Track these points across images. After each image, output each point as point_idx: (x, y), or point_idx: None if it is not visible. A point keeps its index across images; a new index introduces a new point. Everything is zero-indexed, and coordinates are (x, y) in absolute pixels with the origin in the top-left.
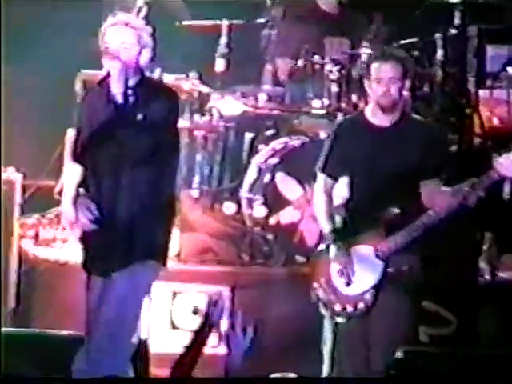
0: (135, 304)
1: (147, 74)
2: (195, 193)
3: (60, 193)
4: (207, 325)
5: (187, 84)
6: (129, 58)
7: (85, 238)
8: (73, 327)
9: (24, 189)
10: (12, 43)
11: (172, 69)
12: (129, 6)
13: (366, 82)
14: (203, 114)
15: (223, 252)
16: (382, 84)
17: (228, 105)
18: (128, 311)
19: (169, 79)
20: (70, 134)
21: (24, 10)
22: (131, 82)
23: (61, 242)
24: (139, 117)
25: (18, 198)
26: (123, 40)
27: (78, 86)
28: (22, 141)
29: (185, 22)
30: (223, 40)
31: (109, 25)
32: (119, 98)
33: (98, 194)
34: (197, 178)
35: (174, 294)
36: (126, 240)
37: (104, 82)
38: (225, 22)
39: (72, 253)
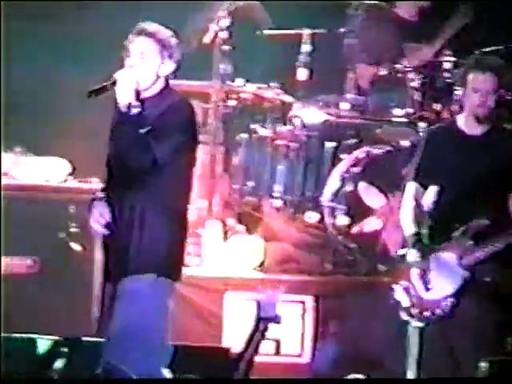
0: (138, 316)
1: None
2: (277, 202)
3: None
4: (261, 320)
5: (269, 93)
6: (146, 68)
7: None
8: None
9: None
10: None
11: (254, 78)
12: (211, 17)
13: (461, 92)
14: (285, 124)
15: (306, 261)
16: (479, 94)
17: (310, 114)
18: (133, 323)
19: (250, 89)
20: None
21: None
22: (148, 93)
23: None
24: (142, 130)
25: None
26: (142, 50)
27: None
28: (104, 152)
29: (267, 32)
30: (305, 49)
31: (133, 34)
32: (122, 108)
33: (114, 200)
34: (279, 188)
35: (258, 304)
36: (133, 250)
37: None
38: (307, 31)
39: None
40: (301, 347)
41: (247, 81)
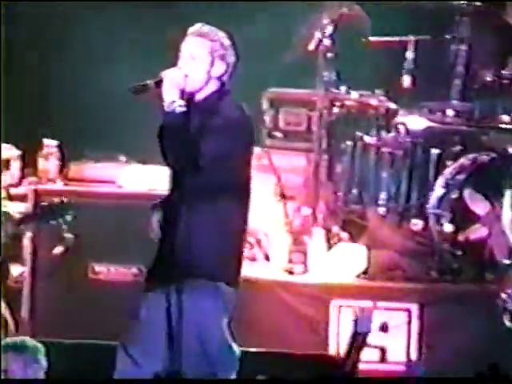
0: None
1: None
2: (382, 210)
3: None
4: (357, 335)
5: (374, 101)
6: (196, 69)
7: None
8: (263, 344)
9: None
10: None
11: (358, 85)
12: (317, 25)
13: None
14: (390, 131)
15: (411, 269)
16: None
17: (415, 121)
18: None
19: (355, 96)
20: (257, 151)
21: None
22: (200, 95)
23: (249, 260)
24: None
25: None
26: (192, 51)
27: (266, 105)
28: None
29: (371, 38)
30: (410, 56)
31: (188, 34)
32: (167, 107)
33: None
34: (384, 195)
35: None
36: (185, 257)
37: None
38: (411, 38)
39: (260, 271)
40: (406, 355)
41: (351, 88)
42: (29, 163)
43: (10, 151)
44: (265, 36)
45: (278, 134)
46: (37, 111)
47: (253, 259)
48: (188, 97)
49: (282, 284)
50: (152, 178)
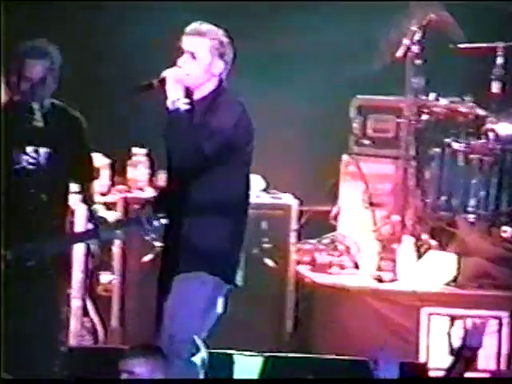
0: (186, 313)
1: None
2: (471, 217)
3: (336, 217)
4: (466, 348)
5: (463, 107)
6: (196, 67)
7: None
8: (353, 352)
9: (300, 214)
10: (274, 69)
11: (447, 92)
12: (403, 31)
13: None
14: (479, 137)
15: (502, 276)
16: None
17: (504, 127)
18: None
19: (443, 103)
20: (345, 158)
21: (290, 37)
22: (200, 93)
23: (338, 267)
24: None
25: (294, 224)
26: (192, 50)
27: (353, 112)
28: (297, 167)
29: (460, 45)
30: (499, 62)
31: (185, 34)
32: (171, 106)
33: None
34: (473, 202)
35: (452, 319)
36: (185, 249)
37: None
38: (500, 44)
39: (349, 278)
40: (496, 363)
41: (440, 95)
42: (118, 172)
43: (100, 160)
44: (352, 43)
45: (366, 141)
46: (126, 120)
47: (342, 267)
48: (188, 95)
49: (372, 291)
50: None
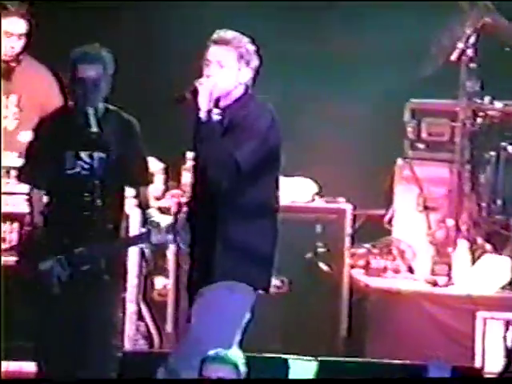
0: (215, 327)
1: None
2: None
3: (390, 222)
4: None
5: None
6: (225, 76)
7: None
8: (407, 356)
9: (354, 219)
10: (329, 73)
11: (502, 95)
12: (458, 35)
13: None
14: None
15: None
16: None
17: None
18: (207, 334)
19: (498, 106)
20: (399, 162)
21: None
22: (227, 101)
23: (392, 271)
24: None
25: (348, 228)
26: (219, 59)
27: (407, 116)
28: (352, 171)
29: None
30: None
31: (211, 42)
32: (204, 117)
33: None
34: None
35: (508, 323)
36: (211, 258)
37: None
38: None
39: (404, 282)
40: None
41: (495, 98)
42: (172, 176)
43: (155, 164)
44: (406, 46)
45: (421, 145)
46: (181, 124)
47: (396, 271)
48: (217, 104)
49: (426, 295)
50: (294, 191)
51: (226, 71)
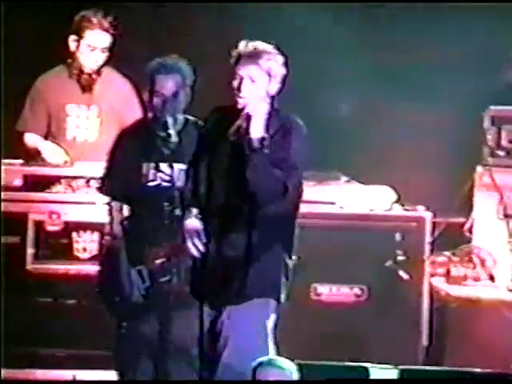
0: (253, 341)
1: None
2: None
3: (470, 229)
4: None
5: None
6: (256, 92)
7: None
8: (488, 365)
9: (434, 226)
10: (408, 81)
11: None
12: None
13: None
14: None
15: None
16: None
17: None
18: (247, 348)
19: None
20: (479, 170)
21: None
22: (258, 117)
23: (472, 279)
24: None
25: (428, 236)
26: (250, 73)
27: (487, 123)
28: (431, 178)
29: None
30: None
31: (241, 54)
32: (256, 144)
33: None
34: None
35: None
36: (242, 274)
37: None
38: None
39: (485, 290)
40: None
41: None
42: None
43: None
44: (485, 53)
45: (501, 153)
46: None
47: (477, 279)
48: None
49: (507, 304)
50: (373, 199)
51: (257, 86)
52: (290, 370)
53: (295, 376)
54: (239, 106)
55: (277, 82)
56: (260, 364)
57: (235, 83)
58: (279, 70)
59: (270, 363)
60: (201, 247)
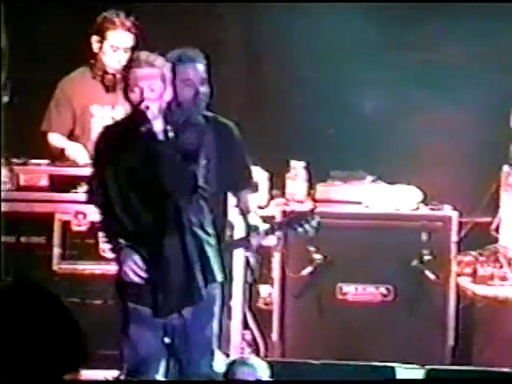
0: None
1: None
2: None
3: (497, 229)
4: None
5: None
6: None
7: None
8: None
9: (460, 226)
10: (434, 79)
11: None
12: None
13: None
14: None
15: None
16: None
17: None
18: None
19: None
20: (505, 169)
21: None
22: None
23: (499, 279)
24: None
25: (454, 235)
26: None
27: None
28: (457, 177)
29: None
30: None
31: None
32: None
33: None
34: None
35: None
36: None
37: None
38: None
39: (511, 290)
40: None
41: None
42: (277, 185)
43: (259, 174)
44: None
45: None
46: (284, 133)
47: (503, 278)
48: None
49: None
50: (399, 198)
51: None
52: (262, 368)
53: (266, 374)
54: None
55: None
56: (233, 363)
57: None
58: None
59: (244, 362)
60: (141, 273)
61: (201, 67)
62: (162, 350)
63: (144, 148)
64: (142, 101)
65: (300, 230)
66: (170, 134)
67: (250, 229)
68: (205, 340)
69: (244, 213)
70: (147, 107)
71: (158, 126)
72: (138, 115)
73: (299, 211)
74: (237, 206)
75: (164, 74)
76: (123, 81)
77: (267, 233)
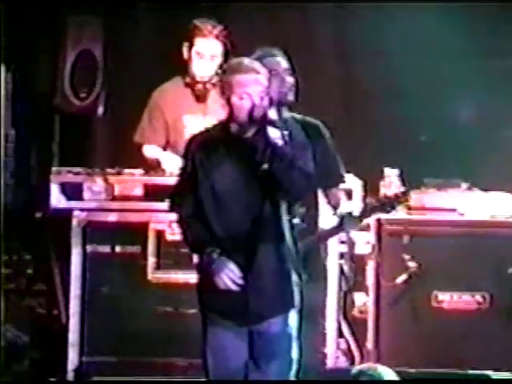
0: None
1: None
2: None
3: None
4: None
5: None
6: None
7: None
8: None
9: None
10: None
11: None
12: None
13: None
14: None
15: None
16: None
17: None
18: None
19: None
20: None
21: None
22: None
23: None
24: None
25: None
26: None
27: None
28: None
29: None
30: None
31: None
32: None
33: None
34: None
35: None
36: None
37: None
38: None
39: None
40: None
41: None
42: (371, 193)
43: (353, 181)
44: None
45: None
46: (379, 140)
47: None
48: None
49: None
50: (494, 206)
51: None
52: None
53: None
54: None
55: None
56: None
57: None
58: None
59: (371, 372)
60: (239, 281)
61: (282, 60)
62: (245, 359)
63: (244, 153)
64: (253, 106)
65: (393, 211)
66: (277, 140)
67: (344, 216)
68: (286, 347)
69: (336, 207)
70: (255, 112)
71: (269, 131)
72: (242, 122)
73: (392, 194)
74: (328, 202)
75: (267, 79)
76: (225, 88)
77: (361, 216)
